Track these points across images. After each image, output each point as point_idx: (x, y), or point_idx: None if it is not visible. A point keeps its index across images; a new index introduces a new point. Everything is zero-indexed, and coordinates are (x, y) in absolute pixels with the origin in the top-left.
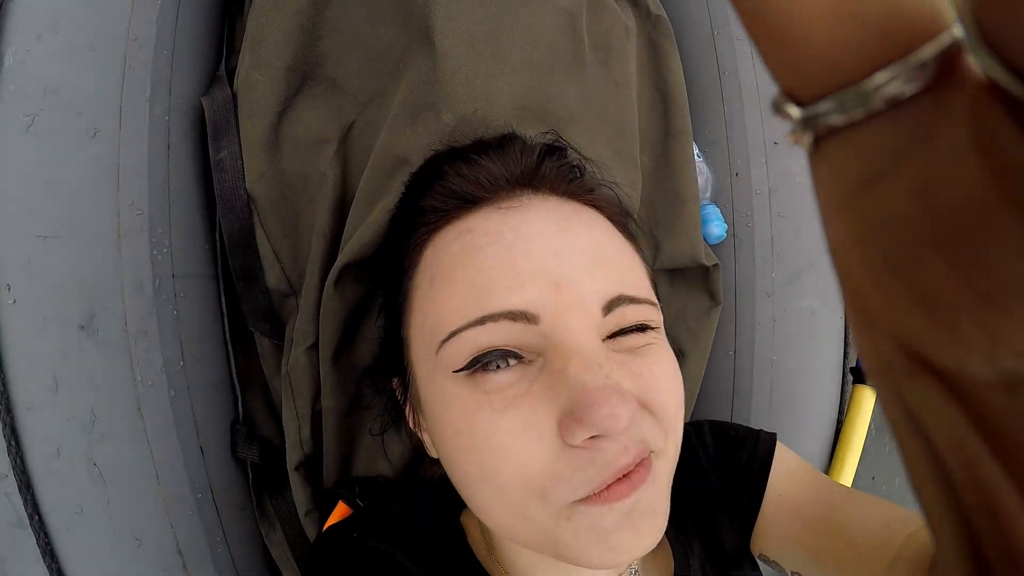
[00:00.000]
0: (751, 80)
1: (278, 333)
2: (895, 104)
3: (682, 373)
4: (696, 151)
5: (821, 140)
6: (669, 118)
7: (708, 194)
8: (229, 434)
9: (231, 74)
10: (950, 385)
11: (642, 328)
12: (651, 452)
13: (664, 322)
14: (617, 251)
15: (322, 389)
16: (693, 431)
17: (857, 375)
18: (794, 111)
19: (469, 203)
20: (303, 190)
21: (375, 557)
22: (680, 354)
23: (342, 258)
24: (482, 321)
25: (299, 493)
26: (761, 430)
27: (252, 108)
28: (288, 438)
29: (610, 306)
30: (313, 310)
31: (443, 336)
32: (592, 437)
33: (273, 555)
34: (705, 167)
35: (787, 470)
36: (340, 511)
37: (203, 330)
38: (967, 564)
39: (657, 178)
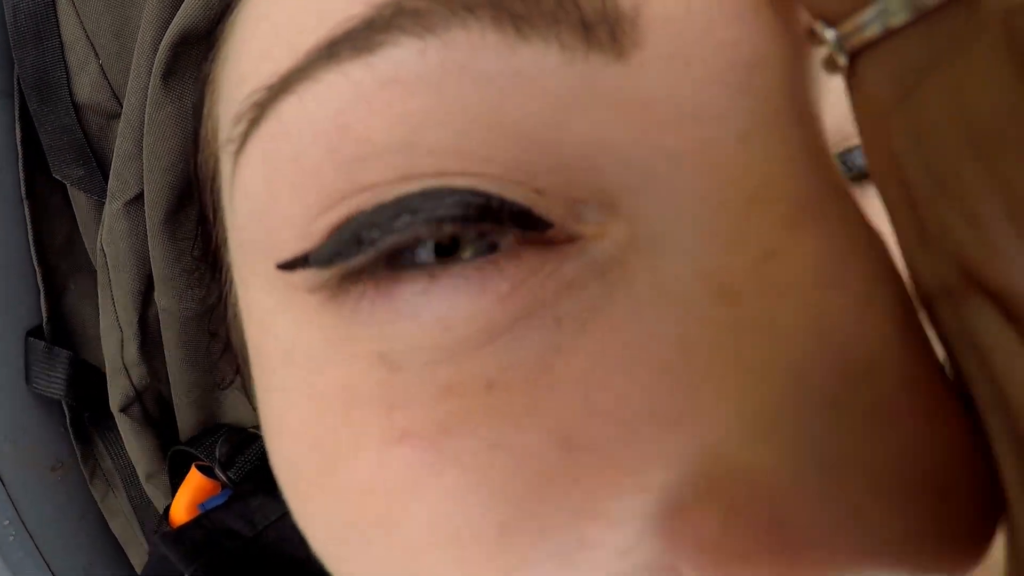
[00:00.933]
0: None
1: (99, 183)
2: (926, 14)
3: None
4: None
5: (856, 60)
6: None
7: None
8: (23, 353)
9: None
10: (1003, 305)
11: None
12: None
13: None
14: None
15: (153, 276)
16: None
17: None
18: (829, 32)
19: None
20: None
21: None
22: None
23: (175, 25)
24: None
25: (133, 447)
26: None
27: None
28: (107, 358)
29: None
30: (137, 134)
31: (243, 115)
32: None
33: (114, 530)
34: None
35: None
36: (195, 487)
37: None
38: None
39: None
